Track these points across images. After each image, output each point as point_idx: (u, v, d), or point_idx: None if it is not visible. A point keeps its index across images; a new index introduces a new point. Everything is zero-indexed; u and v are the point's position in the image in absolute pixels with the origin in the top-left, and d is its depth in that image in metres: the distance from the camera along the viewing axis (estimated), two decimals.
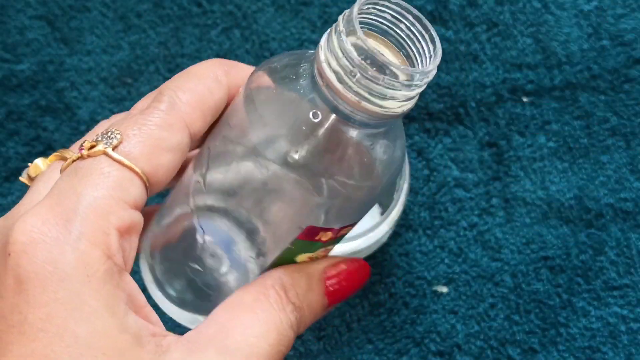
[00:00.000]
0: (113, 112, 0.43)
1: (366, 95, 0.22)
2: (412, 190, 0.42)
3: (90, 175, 0.24)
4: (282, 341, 0.25)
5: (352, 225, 0.27)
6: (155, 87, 0.29)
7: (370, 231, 0.36)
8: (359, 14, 0.23)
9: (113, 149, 0.24)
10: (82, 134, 0.43)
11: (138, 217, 0.25)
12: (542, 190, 0.42)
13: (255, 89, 0.25)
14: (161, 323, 0.25)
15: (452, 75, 0.44)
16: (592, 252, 0.42)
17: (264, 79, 0.25)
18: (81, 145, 0.25)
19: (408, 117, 0.43)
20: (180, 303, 0.30)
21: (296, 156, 0.24)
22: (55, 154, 0.27)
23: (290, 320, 0.26)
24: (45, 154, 0.43)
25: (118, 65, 0.44)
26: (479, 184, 0.42)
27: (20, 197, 0.43)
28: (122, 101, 0.44)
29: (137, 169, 0.24)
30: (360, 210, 0.27)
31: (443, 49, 0.44)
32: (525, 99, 0.43)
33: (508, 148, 0.43)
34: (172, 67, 0.44)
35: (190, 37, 0.44)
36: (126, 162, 0.24)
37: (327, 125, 0.24)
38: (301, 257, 0.27)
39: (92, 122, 0.44)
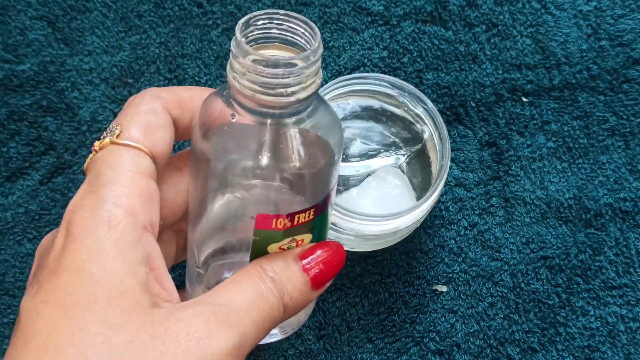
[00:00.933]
0: (114, 113, 0.44)
1: (258, 88, 0.27)
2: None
3: (106, 160, 0.30)
4: (264, 303, 0.29)
5: (308, 210, 0.29)
6: (156, 87, 0.33)
7: (414, 209, 0.36)
8: (246, 36, 0.28)
9: (117, 138, 0.30)
10: (83, 134, 0.44)
11: (153, 185, 0.30)
12: (542, 190, 0.42)
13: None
14: (173, 292, 0.29)
15: (452, 75, 0.44)
16: (591, 251, 0.42)
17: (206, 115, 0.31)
18: (93, 145, 0.30)
19: None
20: None
21: (257, 166, 0.28)
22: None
23: (270, 287, 0.30)
24: (46, 154, 0.43)
25: (119, 66, 0.44)
26: (479, 184, 0.43)
27: (21, 197, 0.43)
28: (123, 101, 0.44)
29: (139, 146, 0.30)
30: (312, 191, 0.30)
31: (443, 49, 0.44)
32: (524, 99, 0.43)
33: (508, 148, 0.43)
34: (173, 67, 0.44)
35: (190, 37, 0.44)
36: (129, 142, 0.30)
37: (267, 128, 0.28)
38: (272, 248, 0.30)
39: (93, 122, 0.44)
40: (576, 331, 0.41)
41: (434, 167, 0.38)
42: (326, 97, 0.39)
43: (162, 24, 0.45)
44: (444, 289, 0.42)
